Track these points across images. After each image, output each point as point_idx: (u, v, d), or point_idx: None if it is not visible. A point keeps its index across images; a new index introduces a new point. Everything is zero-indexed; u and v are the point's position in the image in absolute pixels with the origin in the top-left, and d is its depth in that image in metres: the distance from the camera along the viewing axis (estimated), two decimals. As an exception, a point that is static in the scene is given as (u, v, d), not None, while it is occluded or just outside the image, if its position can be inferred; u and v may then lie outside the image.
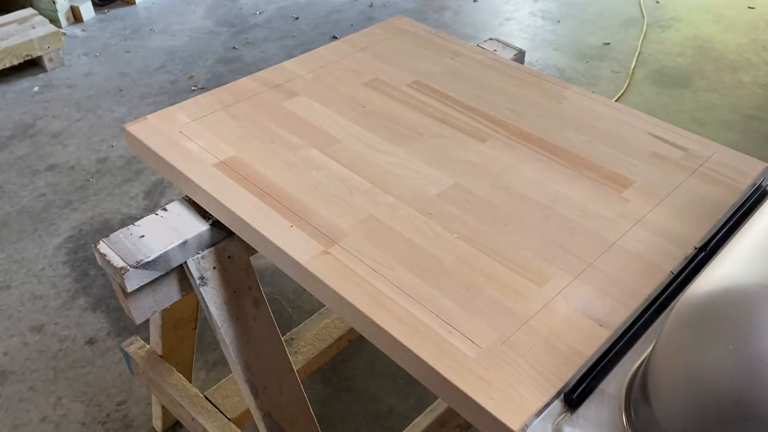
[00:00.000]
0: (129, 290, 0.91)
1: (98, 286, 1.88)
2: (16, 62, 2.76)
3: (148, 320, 1.11)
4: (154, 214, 0.98)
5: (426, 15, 3.43)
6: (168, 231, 0.94)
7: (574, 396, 0.66)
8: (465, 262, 0.82)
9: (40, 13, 3.03)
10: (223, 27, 3.31)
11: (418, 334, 0.73)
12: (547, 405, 0.66)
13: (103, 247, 0.93)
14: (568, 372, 0.69)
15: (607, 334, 0.73)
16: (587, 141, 1.03)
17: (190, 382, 1.28)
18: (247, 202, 0.91)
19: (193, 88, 2.79)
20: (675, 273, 0.80)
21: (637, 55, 3.06)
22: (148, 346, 1.30)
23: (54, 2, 3.15)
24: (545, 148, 1.01)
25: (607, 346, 0.71)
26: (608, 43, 3.17)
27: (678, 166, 0.98)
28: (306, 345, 1.40)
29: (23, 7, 3.09)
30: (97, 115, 2.61)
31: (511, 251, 0.83)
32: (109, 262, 0.91)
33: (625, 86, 2.84)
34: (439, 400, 1.30)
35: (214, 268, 0.98)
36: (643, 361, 0.68)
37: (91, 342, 1.72)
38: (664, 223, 0.88)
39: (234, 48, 3.11)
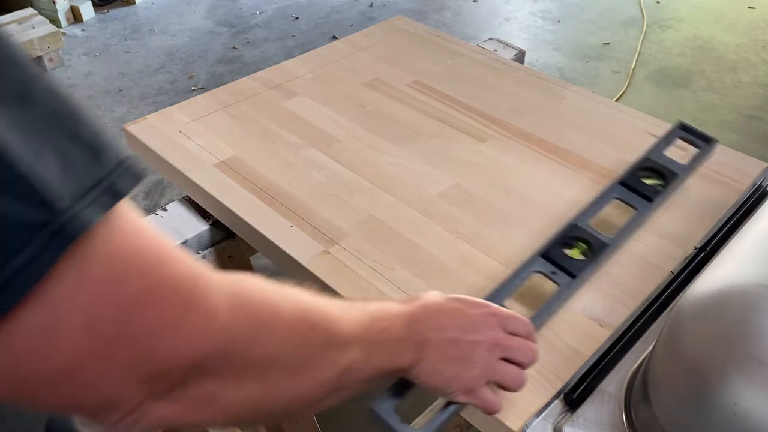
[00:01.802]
0: (129, 290, 0.91)
1: (98, 286, 1.87)
2: (16, 62, 2.76)
3: (148, 320, 1.11)
4: (154, 214, 0.98)
5: (426, 15, 3.43)
6: (168, 231, 0.94)
7: (574, 396, 0.66)
8: (465, 262, 0.82)
9: (40, 13, 3.03)
10: (223, 27, 3.31)
11: (418, 334, 0.73)
12: (547, 405, 0.66)
13: (103, 247, 0.93)
14: (568, 372, 0.69)
15: (607, 334, 0.73)
16: (587, 141, 1.03)
17: (190, 382, 1.27)
18: (247, 202, 0.91)
19: (193, 88, 2.79)
20: (675, 273, 0.80)
21: (637, 55, 3.06)
22: (148, 346, 1.30)
23: (54, 2, 3.15)
24: (545, 148, 1.01)
25: (607, 346, 0.71)
26: (608, 43, 3.17)
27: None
28: (306, 345, 1.40)
29: (23, 7, 3.09)
30: (97, 115, 2.61)
31: (511, 251, 0.83)
32: (109, 262, 0.91)
33: (625, 86, 2.84)
34: (439, 399, 1.29)
35: (214, 268, 0.98)
36: (643, 361, 0.68)
37: (91, 342, 1.72)
38: (664, 223, 0.88)
39: (234, 48, 3.11)
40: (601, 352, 0.70)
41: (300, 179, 0.95)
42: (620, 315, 0.75)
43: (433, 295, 0.61)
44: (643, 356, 0.69)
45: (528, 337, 0.62)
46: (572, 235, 0.77)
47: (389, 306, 0.57)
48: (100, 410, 0.34)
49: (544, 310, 0.72)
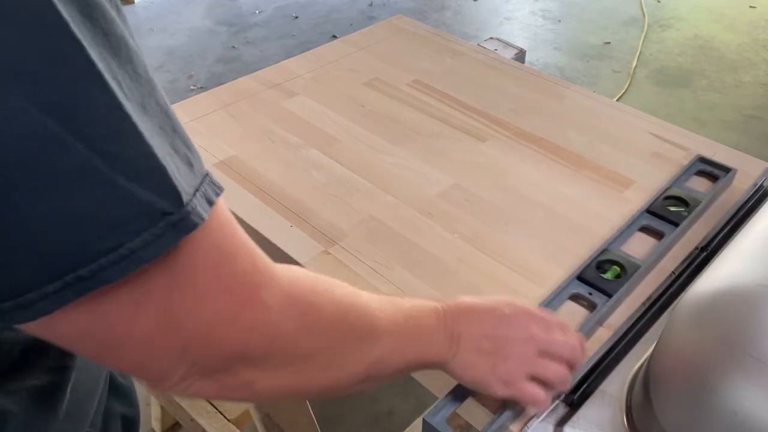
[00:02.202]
0: (128, 290, 0.91)
1: (98, 286, 1.87)
2: (15, 62, 2.76)
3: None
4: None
5: (426, 14, 3.43)
6: (167, 231, 0.94)
7: (575, 397, 0.66)
8: (465, 262, 0.82)
9: (40, 13, 3.03)
10: (222, 26, 3.31)
11: (418, 335, 0.73)
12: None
13: (102, 247, 0.93)
14: (569, 373, 0.69)
15: (607, 334, 0.73)
16: (588, 141, 1.03)
17: (190, 382, 1.27)
18: (247, 202, 0.91)
19: (192, 87, 2.79)
20: (676, 273, 0.79)
21: (637, 54, 3.06)
22: (147, 346, 1.30)
23: (54, 2, 3.14)
24: (546, 148, 1.01)
25: (608, 346, 0.71)
26: (609, 43, 3.17)
27: (679, 166, 0.97)
28: (306, 345, 1.39)
29: (23, 6, 3.09)
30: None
31: (511, 251, 0.83)
32: (108, 262, 0.91)
33: (626, 86, 2.84)
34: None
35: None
36: (644, 362, 0.68)
37: (90, 342, 1.72)
38: (665, 223, 0.87)
39: (233, 47, 3.11)
40: (602, 353, 0.70)
41: (300, 179, 0.95)
42: (621, 315, 0.75)
43: (468, 297, 0.62)
44: (645, 357, 0.69)
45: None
46: (604, 259, 0.80)
47: (424, 302, 0.59)
48: (152, 378, 0.39)
49: (582, 328, 0.72)
